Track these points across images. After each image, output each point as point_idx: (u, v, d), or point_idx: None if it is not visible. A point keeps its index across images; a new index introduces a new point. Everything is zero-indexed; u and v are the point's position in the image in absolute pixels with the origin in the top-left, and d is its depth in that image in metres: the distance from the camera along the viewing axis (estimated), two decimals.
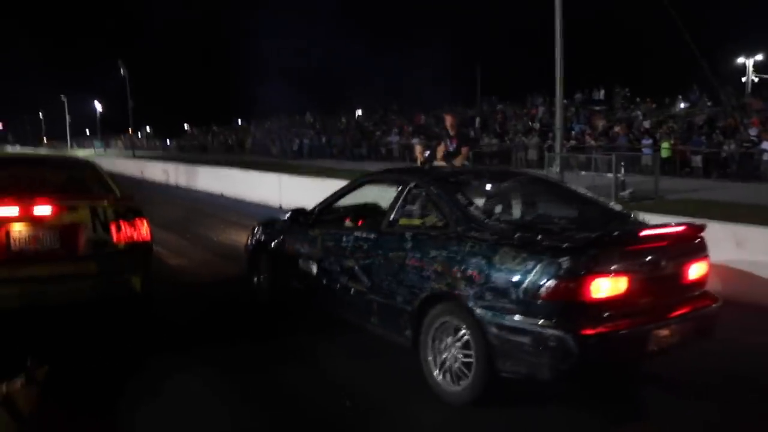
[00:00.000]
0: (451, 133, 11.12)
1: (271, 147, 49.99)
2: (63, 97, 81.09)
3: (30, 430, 2.89)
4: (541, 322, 3.78)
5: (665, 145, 23.67)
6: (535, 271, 3.80)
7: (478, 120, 35.55)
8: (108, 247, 5.22)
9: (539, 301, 3.77)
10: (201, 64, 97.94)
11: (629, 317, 3.95)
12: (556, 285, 3.73)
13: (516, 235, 4.09)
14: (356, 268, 5.10)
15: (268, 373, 4.84)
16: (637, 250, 4.07)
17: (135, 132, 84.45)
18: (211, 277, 8.06)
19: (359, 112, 54.33)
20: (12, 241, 4.95)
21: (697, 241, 4.47)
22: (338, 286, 5.32)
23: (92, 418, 3.95)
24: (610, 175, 16.00)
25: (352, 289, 5.15)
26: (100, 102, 79.15)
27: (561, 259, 3.75)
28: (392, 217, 5.02)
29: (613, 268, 3.86)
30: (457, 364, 4.23)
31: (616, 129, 27.06)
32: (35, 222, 4.99)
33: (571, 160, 18.90)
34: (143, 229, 5.45)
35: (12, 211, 4.95)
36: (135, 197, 6.01)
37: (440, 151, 11.34)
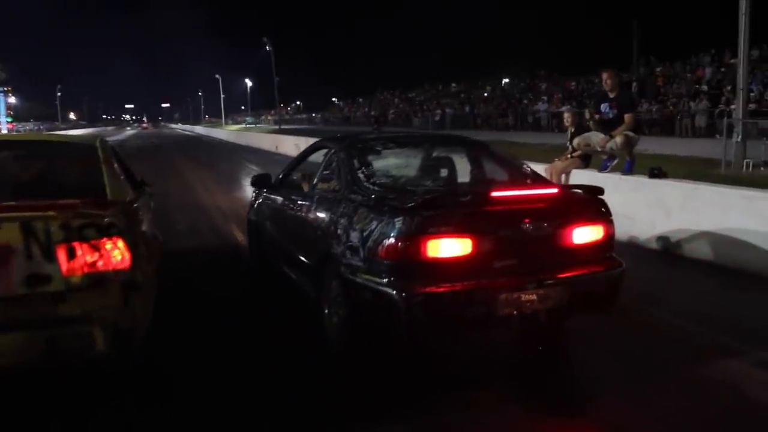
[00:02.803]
0: (611, 95, 9.04)
1: (413, 118, 49.19)
2: (218, 76, 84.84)
3: None
4: (378, 279, 3.82)
5: None
6: (376, 230, 3.87)
7: (635, 84, 32.24)
8: (52, 283, 3.38)
9: (378, 260, 3.83)
10: (347, 35, 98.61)
11: (475, 278, 3.80)
12: (391, 244, 3.76)
13: (373, 197, 4.22)
14: (289, 227, 5.56)
15: None
16: (488, 211, 3.95)
17: (285, 106, 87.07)
18: None
19: (506, 80, 52.00)
20: None
21: (590, 204, 4.26)
22: (281, 245, 5.82)
23: None
24: None
25: (287, 247, 5.59)
26: (250, 79, 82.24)
27: (396, 219, 3.77)
28: (315, 181, 5.29)
29: (453, 229, 3.77)
30: (336, 318, 4.33)
31: None
32: None
33: (750, 126, 15.94)
34: (116, 254, 3.47)
35: None
36: (123, 202, 4.12)
37: (590, 116, 9.43)
